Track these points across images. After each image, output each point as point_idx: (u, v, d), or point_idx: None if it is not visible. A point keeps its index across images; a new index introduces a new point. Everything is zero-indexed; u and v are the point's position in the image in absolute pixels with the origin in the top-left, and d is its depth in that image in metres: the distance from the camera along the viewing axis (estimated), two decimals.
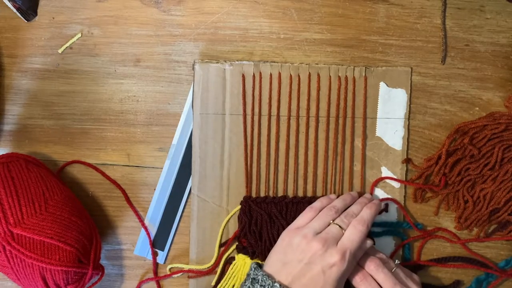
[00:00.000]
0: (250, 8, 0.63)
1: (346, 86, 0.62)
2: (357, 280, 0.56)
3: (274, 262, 0.55)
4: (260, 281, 0.53)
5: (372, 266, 0.56)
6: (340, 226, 0.56)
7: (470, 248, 0.64)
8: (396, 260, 0.59)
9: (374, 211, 0.58)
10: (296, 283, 0.53)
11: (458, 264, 0.63)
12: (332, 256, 0.54)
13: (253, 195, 0.63)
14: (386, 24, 0.63)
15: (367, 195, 0.62)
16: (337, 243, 0.55)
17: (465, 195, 0.63)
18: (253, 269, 0.55)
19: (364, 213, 0.58)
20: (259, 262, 0.59)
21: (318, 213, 0.58)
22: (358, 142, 0.63)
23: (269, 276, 0.54)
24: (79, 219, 0.58)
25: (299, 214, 0.61)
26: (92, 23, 0.64)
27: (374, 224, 0.63)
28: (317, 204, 0.60)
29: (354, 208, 0.59)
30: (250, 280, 0.54)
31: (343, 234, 0.56)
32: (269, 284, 0.53)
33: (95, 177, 0.65)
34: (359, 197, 0.62)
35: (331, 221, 0.57)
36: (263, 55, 0.63)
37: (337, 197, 0.61)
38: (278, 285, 0.52)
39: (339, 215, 0.58)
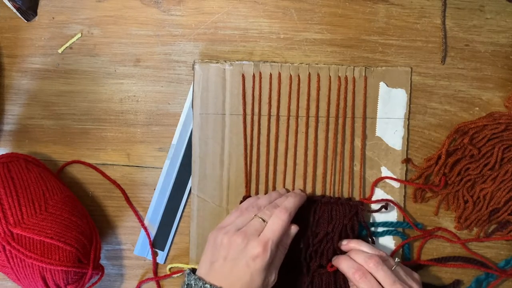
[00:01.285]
0: (250, 8, 0.63)
1: (346, 86, 0.62)
2: (356, 278, 0.56)
3: (203, 264, 0.56)
4: (193, 285, 0.54)
5: (371, 264, 0.56)
6: (262, 219, 0.56)
7: (470, 248, 0.64)
8: (397, 259, 0.59)
9: (297, 199, 0.59)
10: (226, 281, 0.53)
11: (458, 264, 0.63)
12: (254, 248, 0.54)
13: (253, 195, 0.63)
14: (386, 24, 0.63)
15: (296, 190, 0.62)
16: (260, 235, 0.55)
17: (465, 195, 0.63)
18: (186, 275, 0.55)
19: (286, 202, 0.58)
20: (195, 267, 0.59)
21: None
22: (358, 142, 0.63)
23: (200, 279, 0.54)
24: (79, 219, 0.58)
25: (299, 214, 0.62)
26: (92, 23, 0.64)
27: (374, 224, 0.63)
28: (243, 204, 0.60)
29: (278, 201, 0.59)
30: (185, 286, 0.55)
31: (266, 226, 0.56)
32: (201, 287, 0.53)
33: (95, 177, 0.65)
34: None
35: (254, 216, 0.57)
36: (263, 55, 0.63)
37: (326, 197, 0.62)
38: (209, 286, 0.53)
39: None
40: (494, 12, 0.63)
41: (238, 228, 0.56)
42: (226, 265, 0.54)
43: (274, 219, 0.56)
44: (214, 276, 0.54)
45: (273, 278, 0.56)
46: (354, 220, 0.62)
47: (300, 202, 0.60)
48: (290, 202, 0.58)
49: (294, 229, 0.58)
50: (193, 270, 0.57)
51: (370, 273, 0.56)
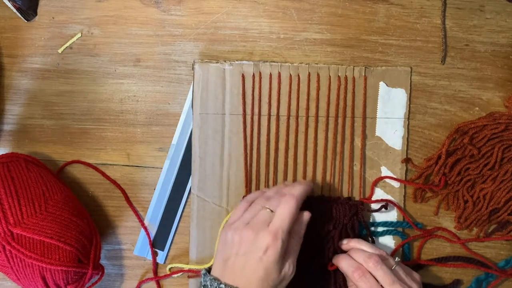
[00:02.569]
0: (250, 8, 0.63)
1: (345, 86, 0.62)
2: (355, 277, 0.56)
3: (217, 263, 0.55)
4: (209, 286, 0.53)
5: (371, 263, 0.56)
6: (270, 210, 0.55)
7: (470, 248, 0.64)
8: (397, 258, 0.59)
9: (304, 186, 0.57)
10: (241, 278, 0.53)
11: (458, 264, 0.63)
12: (264, 239, 0.52)
13: None
14: (386, 24, 0.63)
15: (302, 180, 0.61)
16: (269, 225, 0.54)
17: (465, 195, 0.63)
18: (202, 275, 0.55)
19: (293, 189, 0.57)
20: (210, 266, 0.58)
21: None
22: (357, 142, 0.63)
23: (215, 279, 0.53)
24: (79, 219, 0.58)
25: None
26: (92, 23, 0.64)
27: (374, 223, 0.63)
28: (250, 196, 0.59)
29: (284, 190, 0.57)
30: (202, 287, 0.54)
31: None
32: (216, 287, 0.52)
33: (95, 177, 0.65)
34: None
35: (261, 208, 0.56)
36: (263, 55, 0.63)
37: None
38: (223, 286, 0.52)
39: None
40: (494, 12, 0.63)
41: (246, 222, 0.55)
42: (238, 261, 0.53)
43: (282, 207, 0.54)
44: (229, 274, 0.53)
45: (290, 270, 0.54)
46: (354, 219, 0.62)
47: (307, 190, 0.58)
48: (296, 189, 0.56)
49: (306, 215, 0.56)
50: (209, 270, 0.56)
51: (370, 272, 0.56)
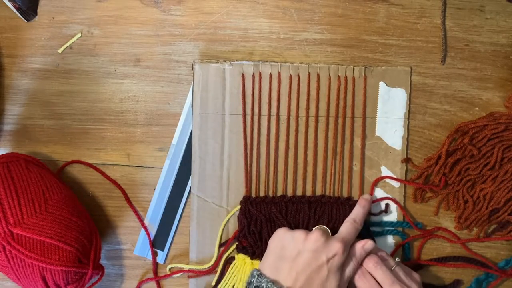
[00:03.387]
0: (250, 8, 0.63)
1: (345, 85, 0.62)
2: (355, 277, 0.56)
3: (273, 262, 0.55)
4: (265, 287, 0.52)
5: (370, 264, 0.56)
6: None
7: (470, 248, 0.64)
8: (397, 258, 0.59)
9: (364, 208, 0.60)
10: (301, 277, 0.52)
11: (458, 264, 0.63)
12: (334, 245, 0.54)
13: (253, 195, 0.63)
14: (386, 24, 0.63)
15: (360, 200, 0.62)
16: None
17: (465, 195, 0.63)
18: (256, 276, 0.53)
19: (354, 210, 0.60)
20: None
21: None
22: (357, 142, 0.63)
23: (274, 282, 0.52)
24: (79, 219, 0.58)
25: (299, 214, 0.62)
26: (92, 23, 0.64)
27: (374, 223, 0.63)
28: None
29: None
30: None
31: None
32: None
33: (95, 177, 0.65)
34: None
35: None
36: (263, 55, 0.63)
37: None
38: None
39: None
40: (494, 12, 0.63)
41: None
42: (303, 259, 0.53)
43: (346, 224, 0.57)
44: (288, 272, 0.53)
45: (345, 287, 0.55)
46: None
47: (367, 208, 0.60)
48: (357, 210, 0.59)
49: (370, 245, 0.56)
50: (259, 273, 0.54)
51: (369, 272, 0.56)
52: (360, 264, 0.56)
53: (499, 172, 0.62)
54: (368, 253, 0.57)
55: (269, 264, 0.55)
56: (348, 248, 0.55)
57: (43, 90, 0.65)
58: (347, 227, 0.57)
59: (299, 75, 0.62)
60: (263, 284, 0.52)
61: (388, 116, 0.63)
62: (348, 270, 0.55)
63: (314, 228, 0.57)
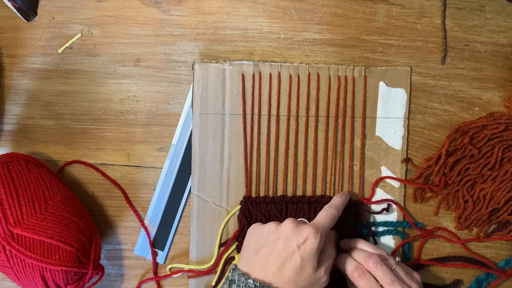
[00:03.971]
0: (250, 8, 0.63)
1: (345, 85, 0.62)
2: (355, 276, 0.56)
3: (247, 256, 0.55)
4: (236, 280, 0.52)
5: (371, 263, 0.56)
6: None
7: (470, 248, 0.64)
8: (397, 258, 0.59)
9: (343, 198, 0.60)
10: (272, 267, 0.52)
11: (458, 264, 0.63)
12: (305, 230, 0.53)
13: (253, 194, 0.63)
14: (386, 24, 0.63)
15: (341, 192, 0.62)
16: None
17: (465, 195, 0.63)
18: (231, 270, 0.54)
19: (333, 200, 0.59)
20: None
21: None
22: (357, 142, 0.63)
23: (243, 273, 0.52)
24: (79, 219, 0.58)
25: (299, 214, 0.62)
26: (92, 23, 0.64)
27: (375, 223, 0.63)
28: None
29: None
30: (228, 282, 0.53)
31: None
32: (243, 282, 0.51)
33: (95, 177, 0.65)
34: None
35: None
36: (263, 55, 0.63)
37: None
38: (251, 281, 0.51)
39: None
40: (494, 12, 0.63)
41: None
42: (275, 247, 0.52)
43: (322, 212, 0.57)
44: (261, 264, 0.52)
45: (324, 278, 0.54)
46: (355, 219, 0.62)
47: (346, 200, 0.60)
48: (337, 200, 0.59)
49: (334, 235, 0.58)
50: (234, 267, 0.54)
51: (369, 272, 0.56)
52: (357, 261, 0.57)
53: (499, 172, 0.62)
54: (367, 250, 0.58)
55: (243, 257, 0.55)
56: (322, 233, 0.54)
57: (43, 90, 0.65)
58: (321, 213, 0.57)
59: (299, 75, 0.62)
60: (235, 277, 0.52)
61: (388, 116, 0.63)
62: (327, 257, 0.55)
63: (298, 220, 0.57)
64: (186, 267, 0.64)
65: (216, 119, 0.63)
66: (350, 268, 0.56)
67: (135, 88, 0.64)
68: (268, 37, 0.63)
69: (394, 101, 0.63)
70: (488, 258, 0.64)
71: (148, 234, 0.64)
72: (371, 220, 0.63)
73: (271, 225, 0.55)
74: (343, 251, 0.60)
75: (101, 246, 0.60)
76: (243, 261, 0.55)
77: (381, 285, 0.55)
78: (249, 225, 0.62)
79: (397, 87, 0.63)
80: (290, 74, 0.62)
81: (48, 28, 0.64)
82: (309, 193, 0.63)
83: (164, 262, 0.65)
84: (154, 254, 0.65)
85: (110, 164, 0.65)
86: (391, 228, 0.63)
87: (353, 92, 0.62)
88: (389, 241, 0.63)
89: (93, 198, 0.65)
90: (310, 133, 0.63)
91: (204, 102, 0.63)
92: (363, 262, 0.56)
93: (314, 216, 0.61)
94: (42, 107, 0.65)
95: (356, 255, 0.57)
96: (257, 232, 0.56)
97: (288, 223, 0.54)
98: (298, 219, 0.57)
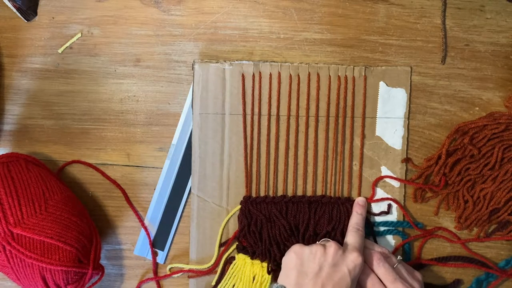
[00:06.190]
0: (250, 8, 0.63)
1: (345, 85, 0.62)
2: None
3: (295, 278, 0.55)
4: None
5: (373, 261, 0.56)
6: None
7: (470, 248, 0.64)
8: (399, 256, 0.59)
9: (362, 214, 0.61)
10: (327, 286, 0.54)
11: (458, 264, 0.63)
12: (352, 255, 0.55)
13: (253, 194, 0.63)
14: (386, 24, 0.63)
15: (359, 200, 0.62)
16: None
17: (465, 195, 0.63)
18: None
19: (353, 218, 0.60)
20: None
21: None
22: (357, 142, 0.63)
23: None
24: (79, 219, 0.58)
25: (299, 214, 0.62)
26: (92, 23, 0.64)
27: (375, 223, 0.63)
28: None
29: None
30: None
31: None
32: None
33: (95, 177, 0.65)
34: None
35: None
36: (263, 55, 0.63)
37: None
38: None
39: None
40: (494, 12, 0.63)
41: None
42: (326, 272, 0.54)
43: (351, 234, 0.59)
44: (312, 286, 0.54)
45: None
46: None
47: (364, 212, 0.62)
48: (355, 218, 0.60)
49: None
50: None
51: (371, 269, 0.56)
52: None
53: (499, 172, 0.62)
54: (369, 248, 0.58)
55: (291, 280, 0.55)
56: (362, 255, 0.57)
57: (43, 90, 0.65)
58: (355, 236, 0.58)
59: (299, 75, 0.62)
60: None
61: (388, 116, 0.63)
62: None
63: (321, 241, 0.58)
64: (186, 267, 0.64)
65: (216, 119, 0.63)
66: None
67: (135, 88, 0.64)
68: (268, 37, 0.63)
69: (394, 101, 0.63)
70: (488, 258, 0.64)
71: (148, 234, 0.64)
72: (371, 220, 0.63)
73: (319, 249, 0.56)
74: None
75: (101, 246, 0.60)
76: (291, 284, 0.55)
77: (383, 283, 0.55)
78: (249, 225, 0.62)
79: (397, 87, 0.63)
80: (290, 74, 0.62)
81: (48, 28, 0.64)
82: (309, 193, 0.63)
83: (164, 262, 0.65)
84: (154, 254, 0.65)
85: (110, 164, 0.65)
86: (391, 228, 0.63)
87: (353, 92, 0.62)
88: (389, 240, 0.63)
89: (93, 198, 0.65)
90: (310, 133, 0.63)
91: (204, 102, 0.63)
92: (365, 259, 0.57)
93: (314, 216, 0.61)
94: (42, 107, 0.65)
95: None
96: (304, 254, 0.56)
97: (335, 248, 0.56)
98: (323, 240, 0.59)
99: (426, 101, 0.63)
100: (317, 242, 0.59)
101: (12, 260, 0.54)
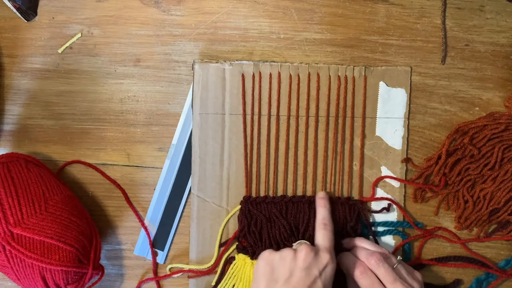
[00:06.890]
0: (250, 8, 0.63)
1: (345, 85, 0.62)
2: (357, 274, 0.56)
3: (266, 286, 0.54)
4: None
5: (373, 261, 0.56)
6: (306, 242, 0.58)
7: (470, 248, 0.64)
8: (399, 257, 0.59)
9: (326, 207, 0.60)
10: None
11: (458, 264, 0.63)
12: (323, 256, 0.55)
13: (253, 195, 0.63)
14: (386, 24, 0.63)
15: (318, 200, 0.62)
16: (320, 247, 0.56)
17: (465, 195, 0.63)
18: None
19: (319, 214, 0.60)
20: None
21: None
22: (357, 142, 0.63)
23: None
24: (79, 219, 0.58)
25: (299, 214, 0.62)
26: (92, 23, 0.64)
27: (375, 223, 0.63)
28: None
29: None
30: None
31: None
32: None
33: (95, 177, 0.65)
34: None
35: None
36: (263, 55, 0.63)
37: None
38: None
39: None
40: (494, 12, 0.63)
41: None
42: (299, 276, 0.53)
43: (320, 232, 0.58)
44: None
45: None
46: (355, 219, 0.62)
47: (328, 205, 0.60)
48: (322, 213, 0.59)
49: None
50: None
51: (371, 270, 0.56)
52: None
53: (499, 172, 0.62)
54: (369, 249, 0.58)
55: (262, 285, 0.54)
56: (334, 254, 0.56)
57: (43, 90, 0.65)
58: (323, 233, 0.58)
59: (299, 75, 0.62)
60: None
61: (388, 116, 0.63)
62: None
63: (296, 244, 0.58)
64: (186, 267, 0.64)
65: (216, 119, 0.63)
66: (352, 266, 0.56)
67: (135, 88, 0.64)
68: (268, 37, 0.63)
69: (394, 101, 0.63)
70: (488, 258, 0.64)
71: (148, 234, 0.64)
72: (371, 220, 0.63)
73: (289, 253, 0.55)
74: (345, 250, 0.60)
75: (101, 246, 0.60)
76: None
77: (383, 284, 0.55)
78: (249, 225, 0.62)
79: (397, 87, 0.63)
80: (290, 74, 0.62)
81: (48, 28, 0.64)
82: (309, 193, 0.63)
83: (164, 262, 0.65)
84: (154, 254, 0.65)
85: (110, 164, 0.65)
86: (391, 228, 0.63)
87: (353, 92, 0.62)
88: (389, 241, 0.63)
89: (93, 198, 0.65)
90: (310, 133, 0.63)
91: (204, 102, 0.63)
92: (365, 260, 0.57)
93: (314, 216, 0.61)
94: (42, 107, 0.65)
95: (358, 253, 0.58)
96: (274, 261, 0.55)
97: (307, 251, 0.55)
98: (297, 242, 0.58)
99: (426, 101, 0.63)
100: (292, 244, 0.58)
101: (12, 260, 0.54)
